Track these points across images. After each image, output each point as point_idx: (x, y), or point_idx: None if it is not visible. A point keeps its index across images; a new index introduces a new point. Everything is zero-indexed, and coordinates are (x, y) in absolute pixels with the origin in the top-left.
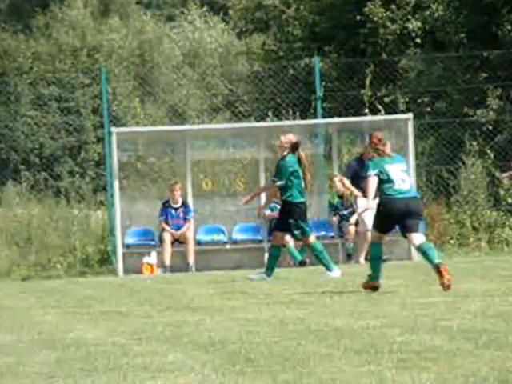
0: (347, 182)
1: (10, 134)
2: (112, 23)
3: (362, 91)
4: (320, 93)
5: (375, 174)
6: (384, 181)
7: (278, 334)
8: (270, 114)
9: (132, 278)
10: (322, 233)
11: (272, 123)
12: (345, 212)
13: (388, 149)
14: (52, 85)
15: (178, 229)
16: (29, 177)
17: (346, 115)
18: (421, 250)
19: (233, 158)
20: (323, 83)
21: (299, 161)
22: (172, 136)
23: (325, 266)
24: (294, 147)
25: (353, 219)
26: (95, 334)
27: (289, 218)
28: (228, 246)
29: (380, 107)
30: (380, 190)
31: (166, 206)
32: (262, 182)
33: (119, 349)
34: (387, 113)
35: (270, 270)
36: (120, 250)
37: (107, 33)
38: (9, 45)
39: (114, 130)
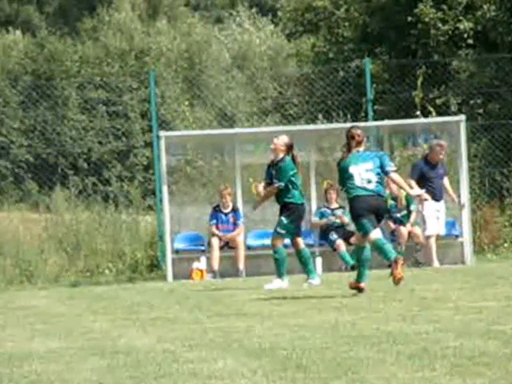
0: (413, 183)
1: (58, 138)
2: (160, 26)
3: (414, 93)
4: (371, 95)
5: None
6: (349, 183)
7: (330, 339)
8: (320, 116)
9: (181, 283)
10: None
11: (322, 126)
12: (398, 215)
13: (363, 147)
14: (100, 88)
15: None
16: (77, 182)
17: (398, 117)
18: (376, 244)
19: None
20: (374, 85)
21: (294, 162)
22: (221, 140)
23: (279, 272)
24: (289, 148)
25: (410, 221)
26: (145, 341)
27: (289, 218)
28: None
29: (432, 109)
30: (347, 192)
31: (217, 210)
32: (313, 186)
33: (169, 355)
34: (439, 115)
35: (311, 272)
36: (169, 256)
37: (155, 35)
38: (56, 48)
39: (162, 133)
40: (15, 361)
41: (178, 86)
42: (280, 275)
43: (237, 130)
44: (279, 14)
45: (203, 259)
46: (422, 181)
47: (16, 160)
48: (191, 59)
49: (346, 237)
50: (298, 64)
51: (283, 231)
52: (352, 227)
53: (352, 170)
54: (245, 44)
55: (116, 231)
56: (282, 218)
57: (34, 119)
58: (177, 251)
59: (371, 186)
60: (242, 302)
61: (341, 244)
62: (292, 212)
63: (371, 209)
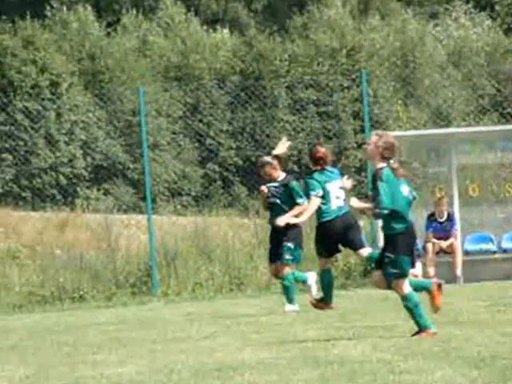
0: None
1: (267, 140)
2: (372, 22)
3: None
4: None
5: (318, 195)
6: (323, 201)
7: None
8: None
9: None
10: None
11: None
12: None
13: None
14: (310, 88)
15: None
16: None
17: None
18: (371, 259)
19: (501, 163)
20: None
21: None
22: (437, 140)
23: (288, 298)
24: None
25: None
26: (359, 350)
27: (293, 242)
28: (497, 256)
29: None
30: (317, 211)
31: (432, 219)
32: None
33: (385, 365)
34: None
35: (291, 300)
36: None
37: (367, 32)
38: (265, 47)
39: None
40: (226, 371)
41: (391, 85)
42: (290, 301)
43: (452, 129)
44: (497, 8)
45: (418, 265)
46: None
47: (224, 163)
48: (405, 56)
49: None
50: None
51: (291, 258)
52: None
53: (329, 187)
54: (461, 40)
55: None
56: (289, 244)
57: (243, 121)
58: None
59: (341, 203)
60: (459, 309)
61: None
62: (296, 236)
63: (339, 232)
